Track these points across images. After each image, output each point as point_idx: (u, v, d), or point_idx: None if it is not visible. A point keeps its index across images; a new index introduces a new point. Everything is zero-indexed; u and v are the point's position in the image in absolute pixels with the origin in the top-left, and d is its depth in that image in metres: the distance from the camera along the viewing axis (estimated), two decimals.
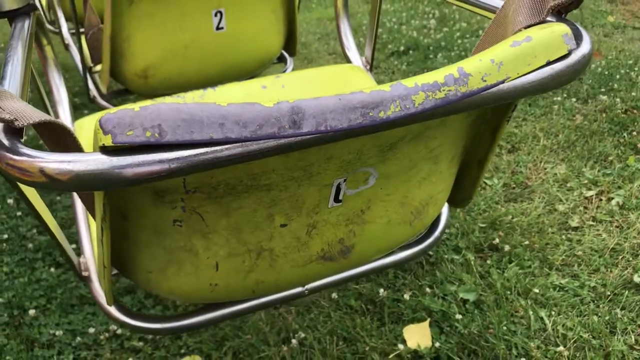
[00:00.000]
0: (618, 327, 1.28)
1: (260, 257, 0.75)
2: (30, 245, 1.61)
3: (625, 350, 1.22)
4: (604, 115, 2.08)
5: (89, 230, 1.03)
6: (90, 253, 1.00)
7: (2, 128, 0.54)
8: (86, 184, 0.49)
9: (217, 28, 1.46)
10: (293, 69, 1.76)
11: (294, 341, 1.28)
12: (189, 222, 0.67)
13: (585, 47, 0.63)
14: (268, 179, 0.64)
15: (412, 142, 0.69)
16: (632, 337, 1.25)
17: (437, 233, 1.05)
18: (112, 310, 0.92)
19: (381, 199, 0.76)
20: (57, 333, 1.34)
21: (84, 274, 0.98)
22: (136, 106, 0.49)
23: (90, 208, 0.74)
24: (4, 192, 1.85)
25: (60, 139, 0.55)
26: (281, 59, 1.79)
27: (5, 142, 0.52)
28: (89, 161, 0.48)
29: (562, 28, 0.62)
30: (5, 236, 1.65)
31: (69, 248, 0.92)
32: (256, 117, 0.50)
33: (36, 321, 1.38)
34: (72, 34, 1.93)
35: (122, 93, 1.71)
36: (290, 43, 1.68)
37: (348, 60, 1.50)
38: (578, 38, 0.64)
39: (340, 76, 1.40)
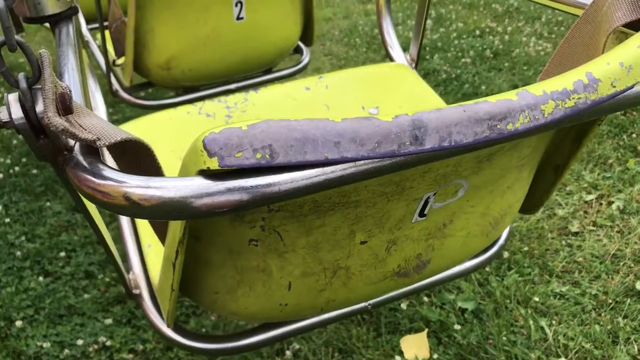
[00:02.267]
0: (620, 337, 1.24)
1: (335, 275, 0.71)
2: (18, 253, 1.57)
3: None
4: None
5: (139, 246, 0.98)
6: (140, 270, 0.95)
7: (79, 148, 0.49)
8: (181, 212, 0.44)
9: (238, 18, 1.46)
10: (309, 61, 1.78)
11: (288, 353, 1.24)
12: (266, 241, 0.62)
13: None
14: (358, 196, 0.59)
15: (508, 151, 0.65)
16: (635, 347, 1.22)
17: (501, 241, 1.01)
18: (169, 331, 0.88)
19: (465, 211, 0.72)
20: (44, 345, 1.30)
21: (135, 291, 0.93)
22: (242, 125, 0.44)
23: (159, 230, 0.69)
24: None
25: (136, 158, 0.51)
26: (297, 50, 1.80)
27: (86, 164, 0.47)
28: (191, 186, 0.44)
29: None
30: None
31: (121, 264, 0.88)
32: (374, 133, 0.46)
33: (23, 332, 1.34)
34: (90, 30, 1.92)
35: (144, 86, 1.71)
36: (307, 33, 1.68)
37: (391, 59, 1.46)
38: None
39: (386, 75, 1.35)
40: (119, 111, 2.38)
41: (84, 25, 1.90)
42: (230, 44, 1.51)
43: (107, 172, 0.46)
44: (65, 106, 0.47)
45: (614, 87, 0.53)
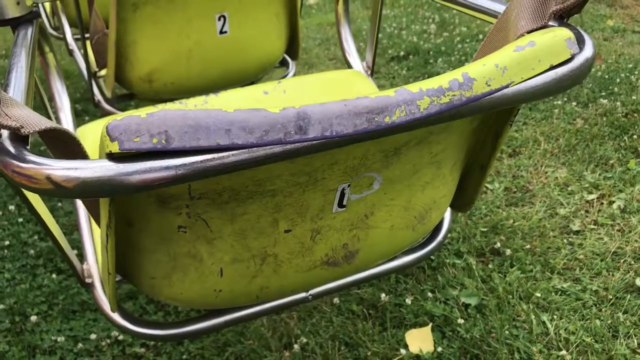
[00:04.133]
0: (620, 331, 1.27)
1: (264, 262, 0.75)
2: (31, 252, 1.61)
3: (628, 355, 1.22)
4: (604, 119, 2.09)
5: (92, 236, 1.03)
6: (94, 260, 0.99)
7: (7, 135, 0.54)
8: (93, 191, 0.49)
9: (221, 32, 1.47)
10: (294, 74, 1.78)
11: (295, 346, 1.28)
12: (193, 228, 0.66)
13: (587, 51, 0.63)
14: (273, 185, 0.63)
15: (416, 147, 0.69)
16: (635, 341, 1.25)
17: (439, 237, 1.05)
18: (116, 317, 0.92)
19: (385, 203, 0.76)
20: (58, 339, 1.33)
21: (87, 280, 0.97)
22: (142, 112, 0.48)
23: (95, 215, 0.73)
24: (5, 198, 1.85)
25: (65, 146, 0.55)
26: (283, 63, 1.80)
27: (11, 149, 0.52)
28: (96, 168, 0.48)
29: (564, 32, 0.63)
30: (7, 243, 1.65)
31: (72, 254, 0.92)
32: (262, 122, 0.50)
33: (38, 327, 1.38)
34: (76, 40, 1.94)
35: (126, 97, 1.71)
36: (292, 47, 1.70)
37: (349, 66, 1.50)
38: (580, 42, 0.64)
39: (341, 81, 1.40)
40: None
41: (69, 35, 1.92)
42: (213, 57, 1.51)
43: (30, 157, 0.50)
44: None
45: (489, 86, 0.58)
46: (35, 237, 1.67)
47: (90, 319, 1.39)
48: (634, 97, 2.21)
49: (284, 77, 1.76)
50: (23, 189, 0.70)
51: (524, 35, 0.67)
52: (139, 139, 0.48)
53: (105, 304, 0.94)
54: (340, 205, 0.72)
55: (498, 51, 0.62)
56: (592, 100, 2.23)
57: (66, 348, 1.32)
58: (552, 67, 0.61)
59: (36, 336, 1.35)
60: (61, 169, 0.48)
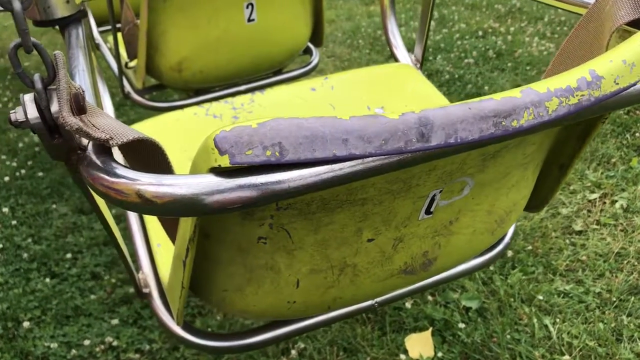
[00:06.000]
0: (624, 335, 1.25)
1: (342, 273, 0.71)
2: (25, 255, 1.58)
3: (633, 359, 1.19)
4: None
5: (148, 245, 0.99)
6: (150, 269, 0.96)
7: (92, 147, 0.50)
8: (188, 208, 0.45)
9: (249, 20, 1.47)
10: (318, 62, 1.80)
11: (293, 352, 1.25)
12: (274, 239, 0.63)
13: None
14: (365, 193, 0.60)
15: (513, 148, 0.65)
16: (639, 344, 1.22)
17: (507, 239, 1.01)
18: (179, 330, 0.88)
19: (471, 208, 0.73)
20: (51, 345, 1.31)
21: (145, 290, 0.94)
22: (253, 122, 0.45)
23: (169, 228, 0.70)
24: None
25: (148, 156, 0.51)
26: (306, 51, 1.81)
27: (99, 162, 0.48)
28: (202, 183, 0.44)
29: None
30: (0, 246, 1.63)
31: (131, 264, 0.89)
32: (381, 130, 0.46)
33: (30, 333, 1.35)
34: (101, 33, 1.94)
35: (155, 88, 1.72)
36: (316, 34, 1.69)
37: (396, 59, 1.47)
38: None
39: (391, 76, 1.36)
40: (123, 114, 2.40)
41: (95, 28, 1.92)
42: (241, 45, 1.52)
43: (120, 170, 0.47)
44: (79, 106, 0.47)
45: (617, 84, 0.54)
46: (29, 240, 1.65)
47: (84, 324, 1.37)
48: None
49: (308, 64, 1.77)
50: (95, 197, 0.66)
51: (622, 26, 0.63)
52: (252, 151, 0.44)
53: (164, 314, 0.91)
54: (427, 212, 0.68)
55: (622, 45, 0.57)
56: None
57: (59, 354, 1.30)
58: None
59: (29, 342, 1.33)
60: (154, 184, 0.45)
